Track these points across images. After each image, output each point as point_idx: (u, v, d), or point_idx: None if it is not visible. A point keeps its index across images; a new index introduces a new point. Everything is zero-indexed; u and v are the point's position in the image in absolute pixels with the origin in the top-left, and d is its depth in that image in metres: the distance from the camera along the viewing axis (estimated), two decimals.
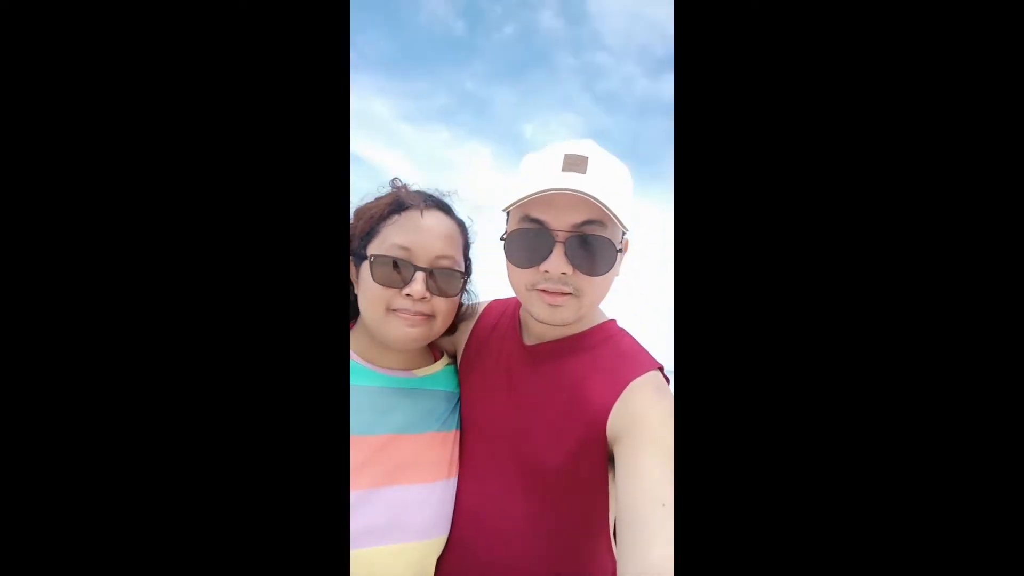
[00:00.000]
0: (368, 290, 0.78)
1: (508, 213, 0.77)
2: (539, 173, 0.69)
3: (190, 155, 0.45)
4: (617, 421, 0.68)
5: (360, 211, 0.84)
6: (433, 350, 0.97)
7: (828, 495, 0.43)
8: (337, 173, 0.50)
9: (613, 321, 0.85)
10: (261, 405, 0.46)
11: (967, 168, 0.42)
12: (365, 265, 0.78)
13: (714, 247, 0.47)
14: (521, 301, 0.79)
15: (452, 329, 0.92)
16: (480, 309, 0.97)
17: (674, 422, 0.49)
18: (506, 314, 0.93)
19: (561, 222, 0.68)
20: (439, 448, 0.84)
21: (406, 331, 0.78)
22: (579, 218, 0.68)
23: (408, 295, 0.76)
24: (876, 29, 0.43)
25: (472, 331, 0.95)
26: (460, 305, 0.90)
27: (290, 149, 0.48)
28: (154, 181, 0.45)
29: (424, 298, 0.77)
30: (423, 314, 0.79)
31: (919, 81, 0.43)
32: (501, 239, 0.76)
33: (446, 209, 0.86)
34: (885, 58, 0.43)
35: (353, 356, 0.84)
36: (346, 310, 0.86)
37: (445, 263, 0.80)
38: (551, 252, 0.68)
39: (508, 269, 0.76)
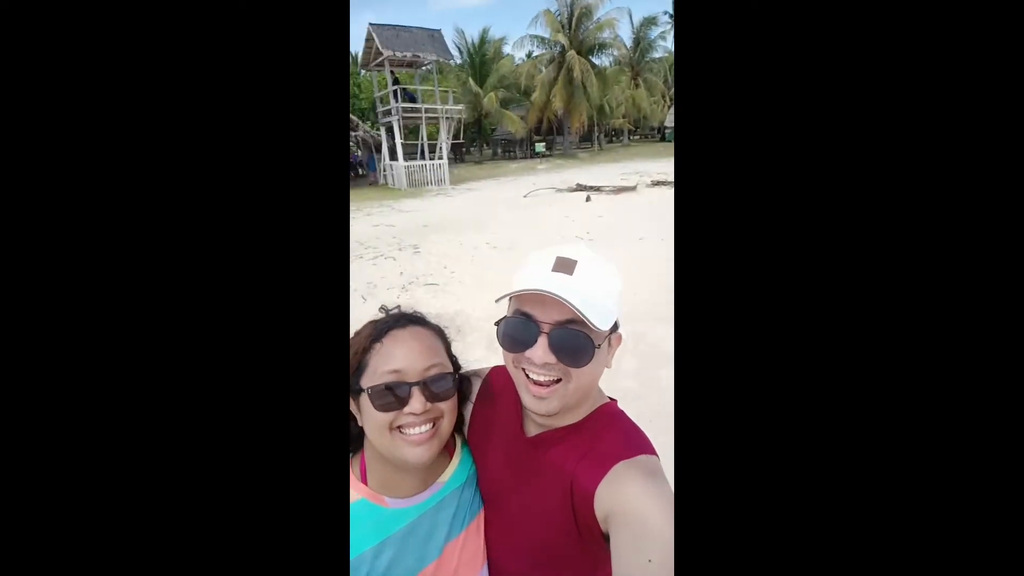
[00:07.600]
0: (372, 419, 0.83)
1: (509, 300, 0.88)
2: (533, 271, 0.82)
3: (188, 156, 0.45)
4: (602, 503, 0.76)
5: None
6: (448, 443, 1.00)
7: (827, 538, 0.43)
8: (336, 174, 0.50)
9: (612, 403, 0.92)
10: (261, 416, 0.46)
11: (957, 172, 0.42)
12: (363, 398, 0.83)
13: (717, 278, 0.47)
14: (515, 383, 0.87)
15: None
16: (476, 385, 1.03)
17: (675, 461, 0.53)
18: (508, 388, 0.96)
19: (547, 316, 0.79)
20: (476, 535, 0.92)
21: (417, 452, 0.83)
22: (562, 317, 0.78)
23: (411, 413, 0.82)
24: (876, 31, 0.43)
25: (475, 400, 1.01)
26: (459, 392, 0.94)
27: (289, 150, 0.48)
28: (153, 182, 0.45)
29: (426, 411, 0.82)
30: (429, 428, 0.84)
31: (916, 86, 0.42)
32: (496, 324, 0.87)
33: (420, 321, 0.92)
34: (885, 61, 0.43)
35: (381, 501, 0.87)
36: (346, 311, 0.84)
37: (435, 371, 0.85)
38: (536, 342, 0.79)
39: (502, 350, 0.86)
